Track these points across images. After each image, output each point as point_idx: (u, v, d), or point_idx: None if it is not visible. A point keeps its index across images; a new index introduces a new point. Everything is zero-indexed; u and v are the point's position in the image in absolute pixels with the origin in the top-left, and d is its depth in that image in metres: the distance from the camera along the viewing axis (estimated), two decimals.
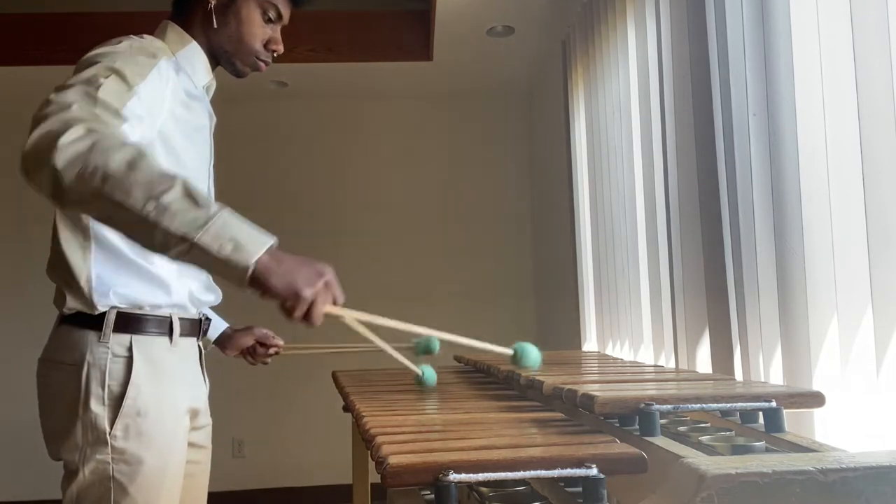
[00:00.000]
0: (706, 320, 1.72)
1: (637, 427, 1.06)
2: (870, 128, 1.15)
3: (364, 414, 1.20)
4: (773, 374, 1.44)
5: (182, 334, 1.39)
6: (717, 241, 1.66)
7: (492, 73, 3.95)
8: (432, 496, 0.84)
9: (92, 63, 1.22)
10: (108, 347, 1.30)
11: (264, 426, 4.17)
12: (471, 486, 1.06)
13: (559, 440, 0.98)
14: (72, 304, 1.31)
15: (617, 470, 0.85)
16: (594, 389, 1.13)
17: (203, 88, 1.47)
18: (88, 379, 1.28)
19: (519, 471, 0.84)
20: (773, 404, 1.05)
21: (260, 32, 1.45)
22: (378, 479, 0.86)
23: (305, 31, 3.33)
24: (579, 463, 0.84)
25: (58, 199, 1.09)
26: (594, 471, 0.83)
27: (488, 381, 1.71)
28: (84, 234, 1.31)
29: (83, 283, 1.30)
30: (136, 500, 1.28)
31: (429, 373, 1.54)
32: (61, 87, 1.16)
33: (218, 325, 1.76)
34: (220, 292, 1.51)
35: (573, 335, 3.16)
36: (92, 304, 1.30)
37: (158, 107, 1.30)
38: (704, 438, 1.04)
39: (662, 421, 1.04)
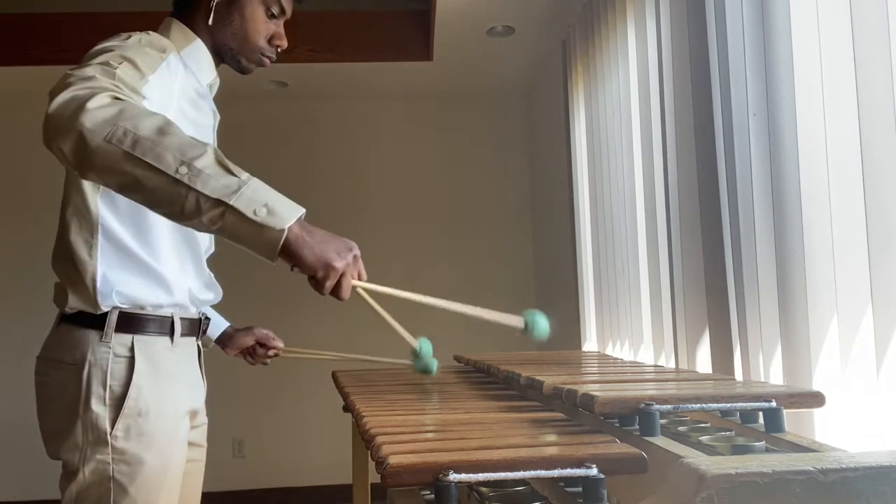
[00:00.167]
0: (706, 320, 1.72)
1: (637, 427, 1.06)
2: (870, 128, 1.15)
3: (364, 414, 1.20)
4: (773, 374, 1.44)
5: (183, 334, 1.39)
6: (717, 241, 1.66)
7: (492, 73, 3.95)
8: (432, 496, 0.84)
9: (104, 52, 1.22)
10: (110, 347, 1.30)
11: (264, 426, 4.17)
12: (471, 486, 1.06)
13: (559, 440, 0.98)
14: (74, 303, 1.31)
15: (617, 470, 0.85)
16: (594, 389, 1.13)
17: (207, 86, 1.47)
18: (90, 379, 1.28)
19: (519, 471, 0.84)
20: (773, 404, 1.05)
21: (264, 28, 1.45)
22: (378, 479, 0.86)
23: (306, 31, 3.33)
24: (579, 463, 0.84)
25: (82, 164, 1.06)
26: (594, 471, 0.83)
27: (488, 381, 1.71)
28: (92, 229, 1.30)
29: (88, 281, 1.29)
30: (136, 500, 1.28)
31: (429, 354, 1.51)
32: (78, 67, 1.15)
33: (219, 324, 1.77)
34: (220, 291, 1.51)
35: (573, 335, 3.16)
36: (95, 304, 1.29)
37: (167, 101, 1.30)
38: (704, 438, 1.04)
39: (662, 421, 1.04)
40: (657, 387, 1.29)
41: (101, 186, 1.29)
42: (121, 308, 1.31)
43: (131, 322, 1.32)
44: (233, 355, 1.83)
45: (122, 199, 1.30)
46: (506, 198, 4.37)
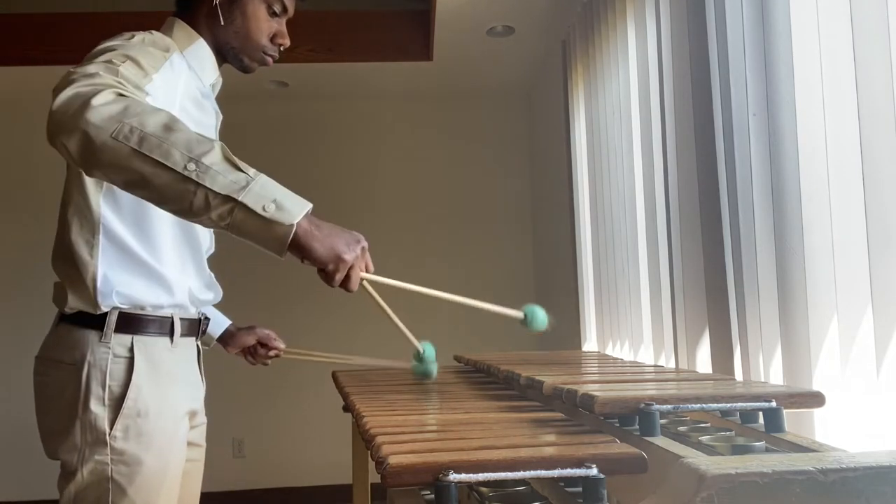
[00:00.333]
0: (706, 320, 1.72)
1: (637, 427, 1.06)
2: (870, 128, 1.15)
3: (364, 414, 1.20)
4: (773, 374, 1.44)
5: (182, 334, 1.39)
6: (717, 241, 1.66)
7: (492, 73, 3.95)
8: (432, 496, 0.84)
9: (107, 51, 1.22)
10: (110, 348, 1.29)
11: (264, 426, 4.17)
12: (471, 486, 1.06)
13: (559, 440, 0.98)
14: (74, 303, 1.30)
15: (617, 470, 0.85)
16: (594, 389, 1.13)
17: (210, 86, 1.47)
18: (89, 379, 1.27)
19: (519, 471, 0.84)
20: (773, 404, 1.05)
21: (266, 27, 1.45)
22: (378, 479, 0.86)
23: (306, 31, 3.33)
24: (579, 463, 0.84)
25: (87, 161, 1.06)
26: (594, 471, 0.83)
27: (488, 381, 1.71)
28: (93, 229, 1.30)
29: (88, 281, 1.29)
30: (135, 501, 1.28)
31: (430, 355, 1.52)
32: (81, 65, 1.15)
33: (221, 322, 1.76)
34: (220, 291, 1.51)
35: (573, 335, 3.16)
36: (95, 304, 1.29)
37: (171, 101, 1.30)
38: (704, 438, 1.04)
39: (662, 421, 1.04)
40: (657, 387, 1.29)
41: (104, 186, 1.29)
42: (120, 308, 1.31)
43: (131, 322, 1.32)
44: (234, 354, 1.83)
45: (124, 199, 1.30)
46: (506, 198, 4.37)
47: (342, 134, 4.35)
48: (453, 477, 0.81)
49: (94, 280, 1.29)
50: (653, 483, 0.83)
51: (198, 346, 1.50)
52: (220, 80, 1.50)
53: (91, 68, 1.13)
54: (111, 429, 1.27)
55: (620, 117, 2.44)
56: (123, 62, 1.18)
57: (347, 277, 1.11)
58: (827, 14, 1.29)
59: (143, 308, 1.33)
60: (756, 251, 1.49)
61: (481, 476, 0.83)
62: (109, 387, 1.28)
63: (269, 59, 1.49)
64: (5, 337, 4.02)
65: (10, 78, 3.65)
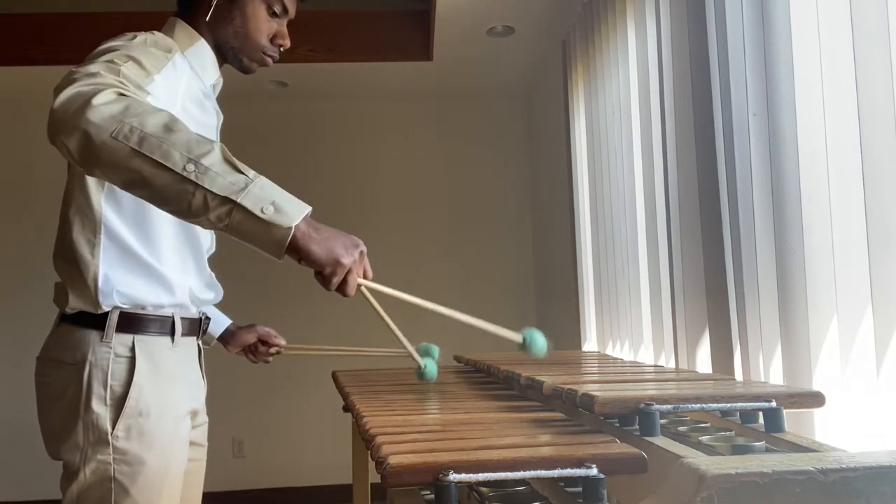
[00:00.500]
0: (706, 320, 1.72)
1: (637, 427, 1.06)
2: (870, 128, 1.15)
3: (364, 414, 1.20)
4: (773, 374, 1.44)
5: (183, 334, 1.39)
6: (717, 241, 1.66)
7: (492, 73, 3.95)
8: (432, 496, 0.84)
9: (109, 51, 1.22)
10: (111, 347, 1.29)
11: (264, 426, 4.17)
12: (471, 486, 1.06)
13: (559, 440, 0.98)
14: (74, 303, 1.30)
15: (617, 470, 0.85)
16: (594, 389, 1.13)
17: (211, 86, 1.47)
18: (90, 379, 1.28)
19: (519, 471, 0.84)
20: (773, 404, 1.05)
21: (266, 27, 1.45)
22: (378, 479, 0.86)
23: (306, 31, 3.33)
24: (579, 463, 0.84)
25: (87, 161, 1.06)
26: (594, 471, 0.83)
27: (488, 381, 1.71)
28: (95, 228, 1.30)
29: (90, 280, 1.29)
30: (137, 500, 1.28)
31: (430, 365, 1.53)
32: (83, 64, 1.15)
33: (221, 322, 1.76)
34: (220, 290, 1.51)
35: (573, 335, 3.16)
36: (96, 304, 1.29)
37: (172, 101, 1.30)
38: (704, 438, 1.04)
39: (662, 421, 1.04)
40: (657, 387, 1.29)
41: (106, 186, 1.29)
42: (121, 308, 1.31)
43: (132, 322, 1.32)
44: (235, 353, 1.83)
45: (126, 199, 1.30)
46: (506, 198, 4.37)
47: (342, 134, 4.35)
48: (453, 477, 0.81)
49: (96, 279, 1.29)
50: (653, 483, 0.83)
51: (199, 345, 1.50)
52: (221, 80, 1.51)
53: (93, 68, 1.13)
54: (113, 428, 1.27)
55: (620, 117, 2.44)
56: (126, 62, 1.18)
57: (344, 282, 1.10)
58: (827, 14, 1.29)
59: (143, 308, 1.33)
60: (756, 251, 1.49)
61: (481, 476, 0.83)
62: (111, 386, 1.28)
63: (269, 60, 1.49)
64: (6, 337, 4.02)
65: (10, 78, 3.66)
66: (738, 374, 1.58)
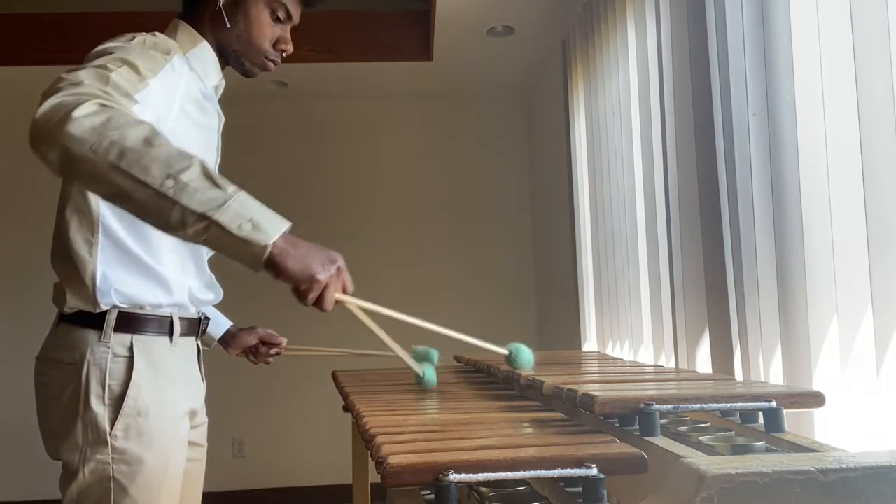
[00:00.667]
0: (706, 320, 1.72)
1: (637, 427, 1.06)
2: (870, 128, 1.15)
3: (364, 414, 1.20)
4: (773, 374, 1.44)
5: (182, 334, 1.39)
6: (717, 241, 1.66)
7: (492, 73, 3.95)
8: (432, 496, 0.84)
9: (104, 53, 1.21)
10: (109, 347, 1.30)
11: (264, 426, 4.17)
12: (471, 486, 1.06)
13: (559, 440, 0.98)
14: (73, 302, 1.30)
15: (617, 470, 0.85)
16: (594, 389, 1.13)
17: (212, 88, 1.47)
18: (88, 378, 1.28)
19: (519, 471, 0.84)
20: (773, 404, 1.05)
21: (269, 32, 1.45)
22: (378, 479, 0.86)
23: (306, 31, 3.31)
24: (579, 463, 0.84)
25: (67, 172, 1.06)
26: (594, 471, 0.83)
27: (488, 381, 1.71)
28: (92, 228, 1.30)
29: (87, 279, 1.29)
30: (137, 500, 1.28)
31: (429, 373, 1.54)
32: (72, 70, 1.15)
33: (222, 324, 1.76)
34: (220, 291, 1.51)
35: (573, 335, 3.16)
36: (94, 302, 1.29)
37: (170, 103, 1.29)
38: (704, 438, 1.04)
39: (662, 421, 1.04)
40: (657, 387, 1.29)
41: None
42: (120, 308, 1.31)
43: (130, 322, 1.32)
44: (235, 355, 1.83)
45: None
46: (506, 198, 4.37)
47: (342, 134, 4.35)
48: (453, 477, 0.81)
49: (94, 278, 1.29)
50: (653, 483, 0.83)
51: (198, 345, 1.50)
52: (223, 82, 1.51)
53: (80, 75, 1.12)
54: (112, 428, 1.27)
55: (620, 117, 2.44)
56: (119, 67, 1.18)
57: (321, 297, 1.11)
58: (827, 14, 1.29)
59: (142, 307, 1.33)
60: (756, 251, 1.49)
61: (481, 476, 0.83)
62: (109, 386, 1.28)
63: (271, 65, 1.49)
64: (5, 337, 4.02)
65: (11, 78, 3.65)
66: (738, 374, 1.58)
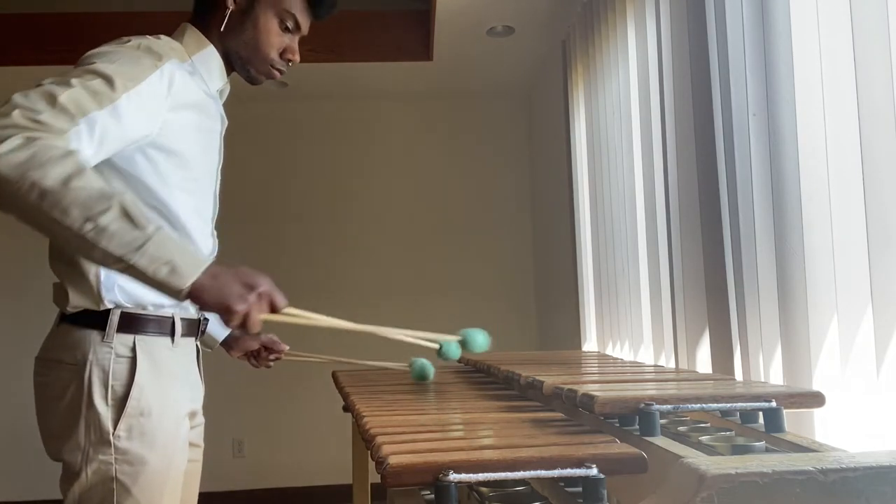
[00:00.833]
0: (706, 320, 1.72)
1: (637, 427, 1.06)
2: (870, 128, 1.15)
3: (364, 414, 1.20)
4: (773, 374, 1.44)
5: (183, 334, 1.39)
6: (717, 241, 1.66)
7: (492, 73, 3.95)
8: (432, 496, 0.84)
9: (86, 63, 1.22)
10: (112, 347, 1.29)
11: (264, 426, 4.17)
12: (471, 486, 1.06)
13: (559, 440, 0.98)
14: (76, 301, 1.30)
15: (617, 470, 0.85)
16: (594, 389, 1.13)
17: (216, 92, 1.47)
18: (91, 379, 1.28)
19: (519, 471, 0.84)
20: (773, 404, 1.06)
21: (276, 41, 1.46)
22: (378, 479, 0.86)
23: None
24: (579, 463, 0.84)
25: None
26: (594, 471, 0.83)
27: (488, 381, 1.71)
28: None
29: (91, 277, 1.29)
30: (139, 500, 1.28)
31: (448, 346, 1.51)
32: (22, 92, 1.15)
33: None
34: None
35: (573, 335, 3.16)
36: (99, 300, 1.29)
37: (155, 109, 1.29)
38: (704, 438, 1.04)
39: (662, 421, 1.04)
40: (657, 387, 1.29)
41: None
42: (122, 308, 1.31)
43: (132, 322, 1.32)
44: (237, 358, 1.83)
45: None
46: (506, 198, 4.37)
47: (342, 134, 4.35)
48: (453, 477, 0.81)
49: (98, 275, 1.29)
50: (653, 483, 0.83)
51: (197, 346, 1.50)
52: (228, 87, 1.51)
53: (16, 100, 1.12)
54: (115, 428, 1.27)
55: (620, 117, 2.44)
56: (90, 80, 1.18)
57: (244, 323, 1.14)
58: (827, 14, 1.29)
59: (144, 307, 1.33)
60: (756, 251, 1.49)
61: (481, 476, 0.83)
62: (112, 386, 1.28)
63: (277, 73, 1.50)
64: (5, 337, 4.02)
65: (11, 78, 3.65)
66: (738, 374, 1.58)
